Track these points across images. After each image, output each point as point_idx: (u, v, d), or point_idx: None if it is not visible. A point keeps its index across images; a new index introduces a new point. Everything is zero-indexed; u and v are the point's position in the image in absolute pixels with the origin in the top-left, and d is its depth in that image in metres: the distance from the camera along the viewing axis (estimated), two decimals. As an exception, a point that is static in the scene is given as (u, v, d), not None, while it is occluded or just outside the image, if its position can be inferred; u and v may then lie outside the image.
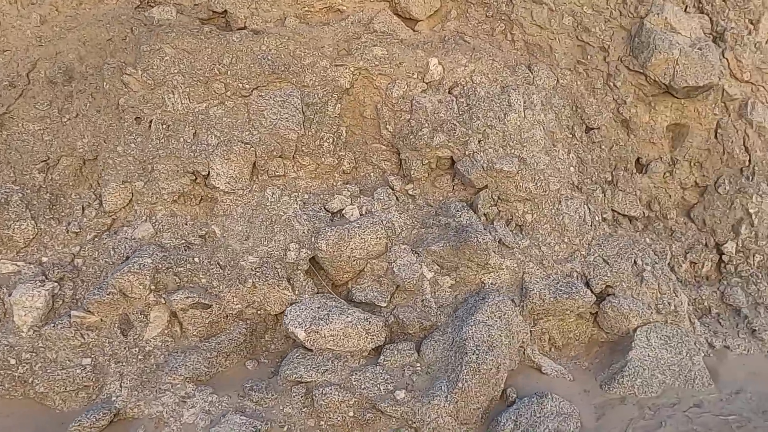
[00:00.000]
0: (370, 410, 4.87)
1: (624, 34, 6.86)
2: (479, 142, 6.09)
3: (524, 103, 6.32)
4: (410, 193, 6.14)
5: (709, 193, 7.20)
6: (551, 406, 5.09)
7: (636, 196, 6.95)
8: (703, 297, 6.87)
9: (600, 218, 6.47)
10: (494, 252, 5.78)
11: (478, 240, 5.58)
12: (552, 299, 5.71)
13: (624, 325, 5.99)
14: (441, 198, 6.19)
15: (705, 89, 6.82)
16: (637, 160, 7.16)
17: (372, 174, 6.22)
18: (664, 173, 7.13)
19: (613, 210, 6.82)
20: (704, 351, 6.29)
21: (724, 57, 7.26)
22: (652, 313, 6.12)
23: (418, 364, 5.18)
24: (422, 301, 5.54)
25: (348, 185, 5.99)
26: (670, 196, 7.17)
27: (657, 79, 6.66)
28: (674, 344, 5.97)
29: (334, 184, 6.01)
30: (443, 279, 5.63)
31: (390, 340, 5.43)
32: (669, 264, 6.95)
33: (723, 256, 7.07)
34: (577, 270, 6.06)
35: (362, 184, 6.16)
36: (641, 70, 6.73)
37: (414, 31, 6.60)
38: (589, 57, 6.78)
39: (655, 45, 6.61)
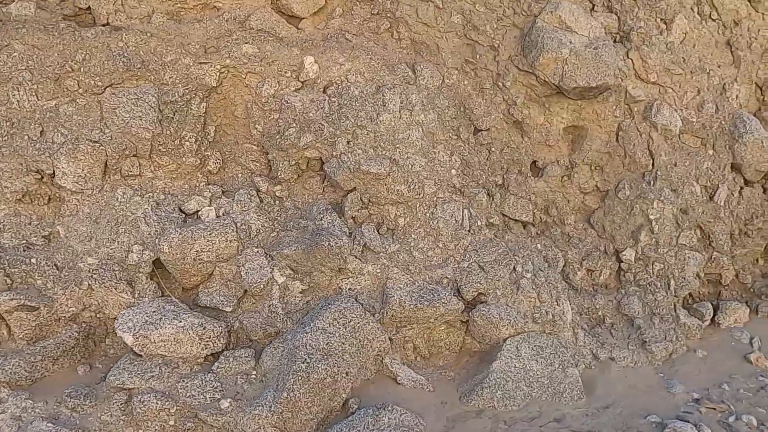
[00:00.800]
0: (191, 419, 4.68)
1: (517, 33, 6.63)
2: (348, 142, 5.89)
3: (401, 103, 6.10)
4: (278, 194, 5.95)
5: (610, 198, 6.93)
6: (389, 418, 4.86)
7: (529, 200, 6.70)
8: (598, 306, 6.59)
9: (483, 223, 6.22)
10: (355, 256, 5.56)
11: (330, 243, 5.37)
12: (412, 306, 5.49)
13: (494, 335, 5.75)
14: (311, 200, 6.00)
15: (600, 90, 6.56)
16: (534, 163, 6.90)
17: (240, 175, 6.05)
18: (562, 177, 6.86)
19: (503, 215, 6.57)
20: (585, 363, 6.02)
21: (628, 57, 6.99)
22: (527, 322, 5.87)
23: (254, 372, 4.99)
24: (269, 306, 5.34)
25: (210, 186, 5.82)
26: (568, 200, 6.91)
27: (547, 79, 6.42)
28: (546, 355, 5.71)
29: (197, 184, 5.83)
30: (294, 284, 5.43)
31: (233, 346, 5.23)
32: (563, 271, 6.69)
33: (622, 264, 6.78)
34: (449, 276, 5.83)
35: (229, 184, 5.98)
36: (531, 70, 6.48)
37: (297, 29, 6.40)
38: (478, 56, 6.56)
39: (543, 44, 6.37)
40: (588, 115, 6.84)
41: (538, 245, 6.59)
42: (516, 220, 6.66)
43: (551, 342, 5.84)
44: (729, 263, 7.31)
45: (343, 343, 5.05)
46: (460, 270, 5.88)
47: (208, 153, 5.94)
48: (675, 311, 6.69)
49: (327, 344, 4.95)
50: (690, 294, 7.25)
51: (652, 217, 6.80)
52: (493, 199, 6.51)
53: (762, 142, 7.32)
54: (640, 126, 6.99)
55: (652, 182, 6.87)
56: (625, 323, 6.59)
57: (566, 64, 6.36)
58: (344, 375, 4.99)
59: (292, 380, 4.74)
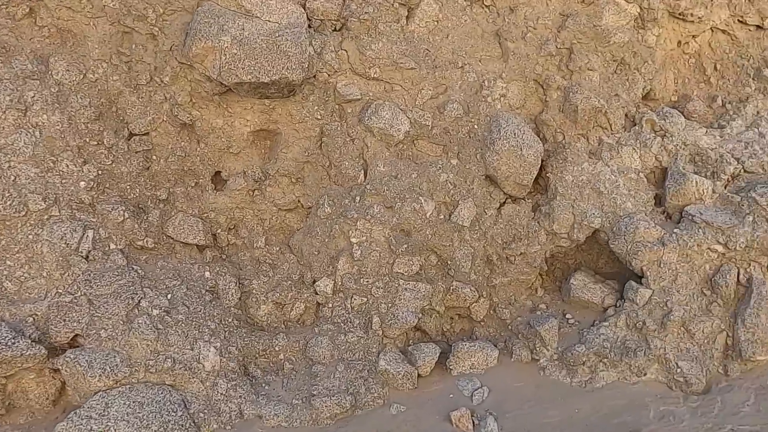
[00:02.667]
0: None
1: (187, 19, 5.51)
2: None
3: (10, 101, 5.04)
4: None
5: (311, 217, 5.75)
6: None
7: (203, 218, 5.56)
8: (278, 348, 5.41)
9: (118, 246, 5.11)
10: None
11: None
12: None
13: (85, 387, 4.63)
14: None
15: (282, 87, 5.40)
16: (218, 174, 5.77)
17: None
18: (252, 191, 5.70)
19: (167, 236, 5.46)
20: (219, 421, 4.86)
21: (341, 48, 5.82)
22: (135, 371, 4.73)
23: None
24: None
25: None
26: (262, 219, 5.74)
27: (207, 73, 5.29)
28: (145, 414, 4.58)
29: None
30: None
31: None
32: (243, 304, 5.53)
33: (318, 297, 5.60)
34: (39, 313, 4.73)
35: None
36: (190, 63, 5.36)
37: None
38: (134, 47, 5.46)
39: (198, 30, 5.25)
40: (280, 118, 5.69)
41: (207, 273, 5.44)
42: (185, 243, 5.52)
43: (162, 397, 4.69)
44: (477, 295, 6.05)
45: None
46: (58, 305, 4.78)
47: None
48: (374, 356, 5.46)
49: None
50: (424, 332, 6.01)
51: (354, 240, 5.59)
52: (147, 217, 5.39)
53: (521, 149, 6.06)
54: (352, 130, 5.80)
55: (358, 198, 5.67)
56: (307, 370, 5.40)
57: (224, 55, 5.22)
58: None
59: None
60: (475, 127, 6.14)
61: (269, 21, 5.49)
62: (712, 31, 7.52)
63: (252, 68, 5.25)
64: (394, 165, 5.83)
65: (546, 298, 6.49)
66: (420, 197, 5.82)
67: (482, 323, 6.22)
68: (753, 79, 7.54)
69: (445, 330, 6.14)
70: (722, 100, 7.39)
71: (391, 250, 5.66)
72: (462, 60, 6.24)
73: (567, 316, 6.23)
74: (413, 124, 5.92)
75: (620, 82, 6.77)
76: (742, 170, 6.58)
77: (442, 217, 5.94)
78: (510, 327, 6.18)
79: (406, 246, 5.69)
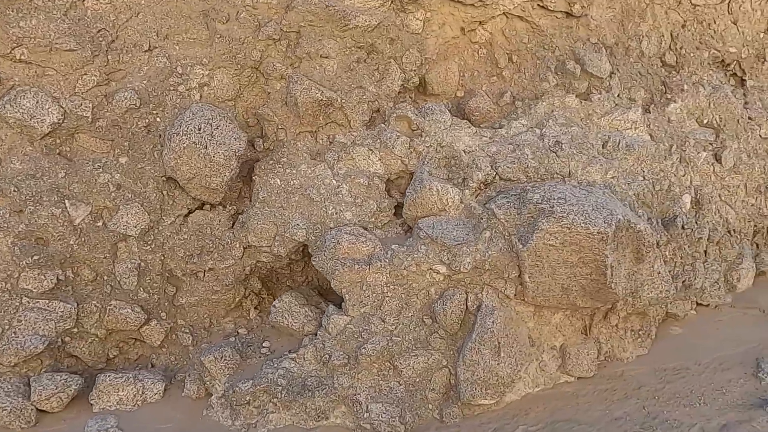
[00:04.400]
0: None
1: None
2: None
3: None
4: None
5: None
6: None
7: None
8: None
9: None
10: None
11: None
12: None
13: None
14: None
15: None
16: None
17: None
18: None
19: None
20: None
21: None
22: None
23: None
24: None
25: None
26: None
27: None
28: None
29: None
30: None
31: None
32: None
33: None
34: None
35: None
36: None
37: None
38: None
39: None
40: None
41: None
42: None
43: None
44: (145, 316, 5.13)
45: None
46: None
47: None
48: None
49: None
50: (78, 359, 5.10)
51: (-33, 248, 4.72)
52: None
53: (206, 147, 5.17)
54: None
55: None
56: None
57: None
58: None
59: None
60: (158, 120, 5.23)
61: None
62: (507, 17, 6.49)
63: None
64: (35, 162, 4.96)
65: (257, 321, 5.53)
66: (65, 200, 4.92)
67: (163, 349, 5.28)
68: (555, 73, 6.49)
69: (112, 356, 5.21)
70: (512, 97, 6.35)
71: (14, 261, 4.77)
72: (152, 42, 5.34)
73: (264, 345, 5.25)
74: (68, 115, 5.04)
75: (367, 73, 5.80)
76: (497, 177, 5.53)
77: (100, 224, 5.03)
78: (191, 355, 5.22)
79: (36, 257, 4.80)
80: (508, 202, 5.17)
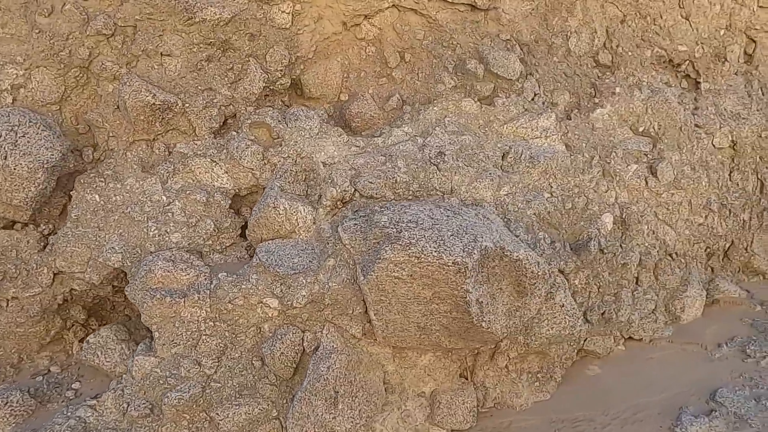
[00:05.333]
0: None
1: None
2: None
3: None
4: None
5: None
6: None
7: None
8: None
9: None
10: None
11: None
12: None
13: None
14: None
15: None
16: None
17: None
18: None
19: None
20: None
21: None
22: None
23: None
24: None
25: None
26: None
27: None
28: None
29: None
30: None
31: None
32: None
33: None
34: None
35: None
36: None
37: None
38: None
39: None
40: None
41: None
42: None
43: None
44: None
45: None
46: None
47: None
48: None
49: None
50: None
51: None
52: None
53: (5, 158, 4.44)
54: None
55: None
56: None
57: None
58: None
59: None
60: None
61: None
62: (399, 10, 5.67)
63: None
64: None
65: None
66: None
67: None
68: (455, 74, 5.66)
69: None
70: (401, 101, 5.53)
71: None
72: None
73: (73, 386, 4.51)
74: None
75: (219, 73, 5.03)
76: (355, 193, 4.71)
77: None
78: (-14, 399, 4.50)
79: None
80: (356, 224, 4.35)
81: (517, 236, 4.89)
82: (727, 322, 6.46)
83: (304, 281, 4.28)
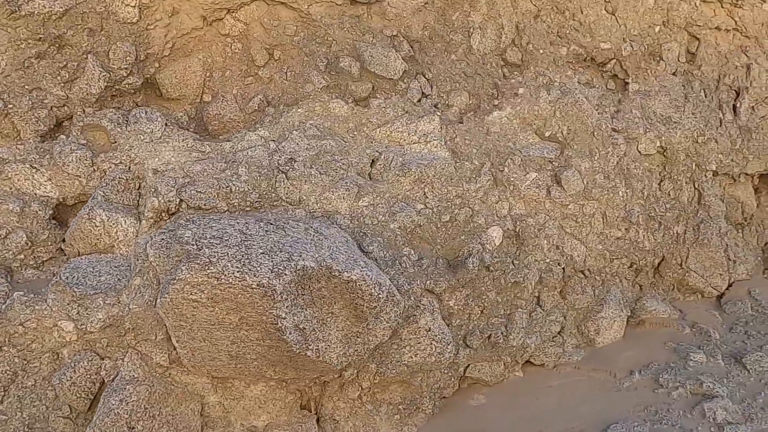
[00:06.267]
0: None
1: None
2: None
3: None
4: None
5: None
6: None
7: None
8: None
9: None
10: None
11: None
12: None
13: None
14: None
15: None
16: None
17: None
18: None
19: None
20: None
21: None
22: None
23: None
24: None
25: None
26: None
27: None
28: None
29: None
30: None
31: None
32: None
33: None
34: None
35: None
36: None
37: None
38: None
39: None
40: None
41: None
42: None
43: None
44: None
45: None
46: None
47: None
48: None
49: None
50: None
51: None
52: None
53: None
54: None
55: None
56: None
57: None
58: None
59: None
60: None
61: None
62: (267, 4, 5.21)
63: None
64: None
65: None
66: None
67: None
68: (326, 72, 5.16)
69: None
70: (264, 102, 5.06)
71: None
72: None
73: None
74: None
75: (51, 72, 4.60)
76: (182, 204, 4.23)
77: None
78: None
79: None
80: (163, 240, 3.86)
81: (368, 253, 4.35)
82: (647, 346, 5.85)
83: (102, 303, 3.82)
